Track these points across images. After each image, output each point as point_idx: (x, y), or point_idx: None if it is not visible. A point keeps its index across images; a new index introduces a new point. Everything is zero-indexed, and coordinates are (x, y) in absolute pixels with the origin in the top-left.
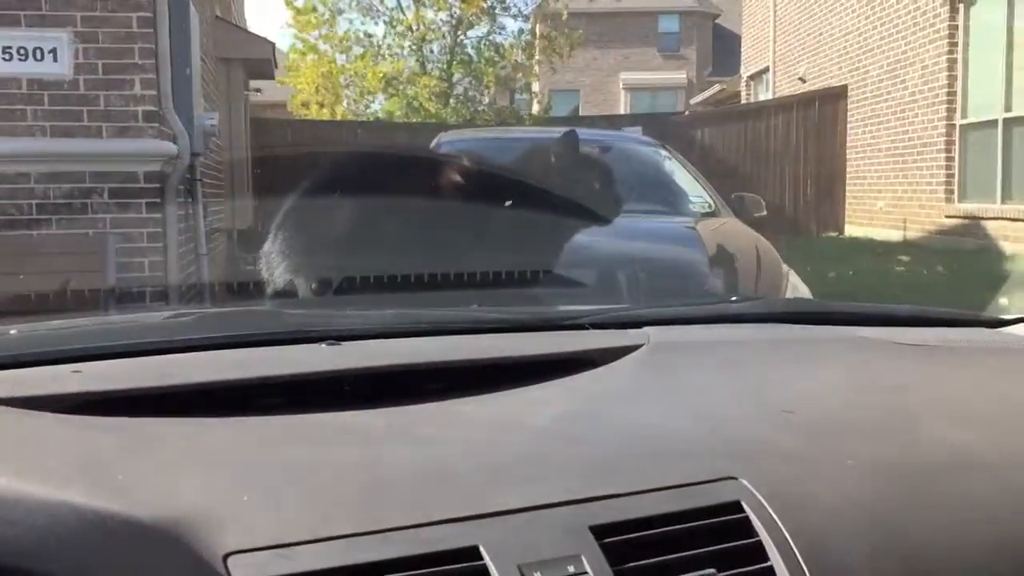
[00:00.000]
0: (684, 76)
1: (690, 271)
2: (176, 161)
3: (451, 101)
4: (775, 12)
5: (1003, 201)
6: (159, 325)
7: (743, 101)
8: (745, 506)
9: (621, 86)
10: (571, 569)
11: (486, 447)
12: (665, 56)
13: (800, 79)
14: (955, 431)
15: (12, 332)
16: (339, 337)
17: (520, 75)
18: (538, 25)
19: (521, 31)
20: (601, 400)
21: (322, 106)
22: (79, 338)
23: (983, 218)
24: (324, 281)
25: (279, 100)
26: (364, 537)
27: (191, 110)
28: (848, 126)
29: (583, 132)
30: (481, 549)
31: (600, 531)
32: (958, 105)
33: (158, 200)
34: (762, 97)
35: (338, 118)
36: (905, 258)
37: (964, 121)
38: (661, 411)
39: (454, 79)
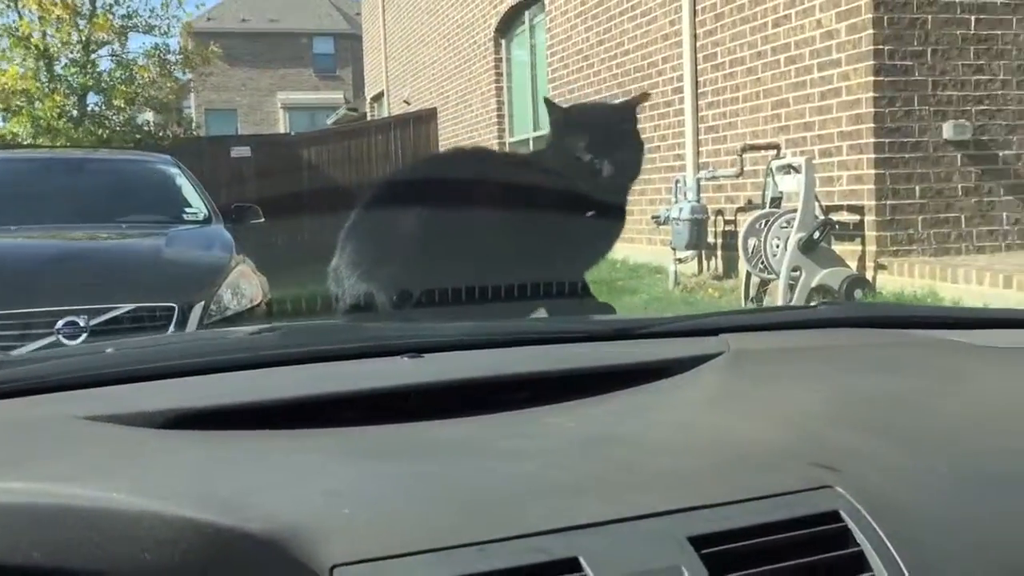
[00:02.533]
0: (341, 96)
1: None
2: None
3: (84, 121)
4: (385, 42)
5: None
6: (245, 340)
7: (368, 119)
8: (844, 515)
9: (279, 105)
10: None
11: (575, 457)
12: (321, 77)
13: (405, 102)
14: None
15: (108, 350)
16: (419, 349)
17: (157, 94)
18: (188, 43)
19: (157, 47)
20: (686, 409)
21: None
22: (170, 355)
23: None
24: (404, 293)
25: None
26: (464, 549)
27: None
28: (439, 144)
29: (95, 153)
30: (581, 560)
31: (698, 541)
32: (506, 126)
33: None
34: (383, 115)
35: None
36: None
37: (511, 139)
38: (748, 419)
39: (88, 99)
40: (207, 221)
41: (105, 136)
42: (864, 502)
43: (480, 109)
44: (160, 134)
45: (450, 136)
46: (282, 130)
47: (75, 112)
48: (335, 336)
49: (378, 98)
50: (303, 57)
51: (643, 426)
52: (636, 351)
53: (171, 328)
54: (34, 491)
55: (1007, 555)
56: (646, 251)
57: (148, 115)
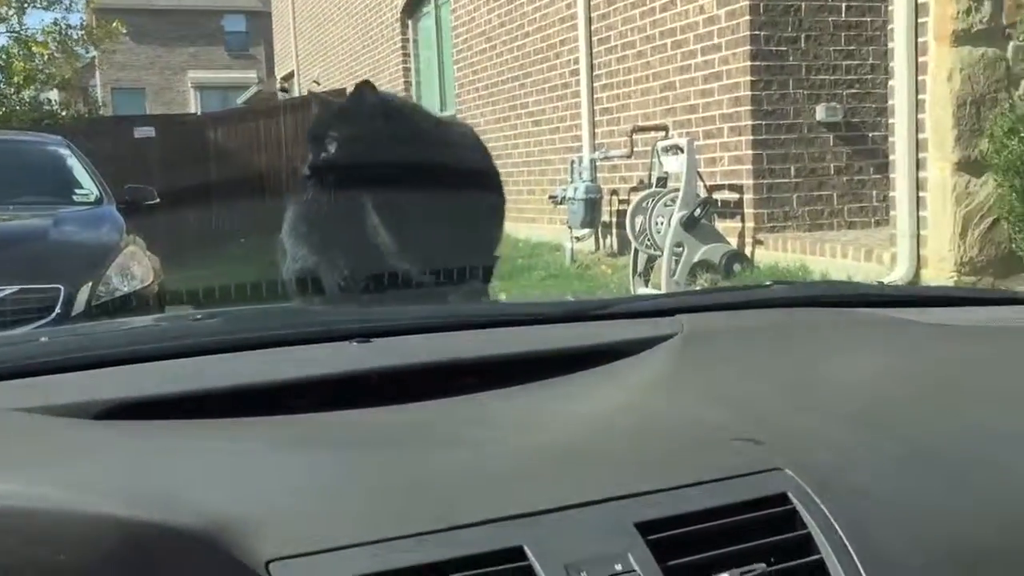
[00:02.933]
0: (255, 75)
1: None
2: None
3: None
4: (295, 20)
5: None
6: (186, 327)
7: (278, 100)
8: (792, 497)
9: (190, 85)
10: (618, 567)
11: (521, 443)
12: (233, 55)
13: (315, 82)
14: (1004, 416)
15: (43, 339)
16: (367, 334)
17: (58, 72)
18: (92, 19)
19: (56, 23)
20: (637, 391)
21: None
22: (108, 342)
23: None
24: (351, 278)
25: None
26: (405, 540)
27: None
28: None
29: None
30: (525, 549)
31: (646, 527)
32: None
33: None
34: (293, 96)
35: None
36: None
37: None
38: (699, 401)
39: None
40: (98, 202)
41: (2, 114)
42: (812, 483)
43: (388, 88)
44: (64, 113)
45: None
46: (193, 110)
47: None
48: (281, 321)
49: (288, 78)
50: (215, 35)
51: (592, 410)
52: (588, 333)
53: (57, 310)
54: None
55: (955, 534)
56: (547, 230)
57: (52, 94)
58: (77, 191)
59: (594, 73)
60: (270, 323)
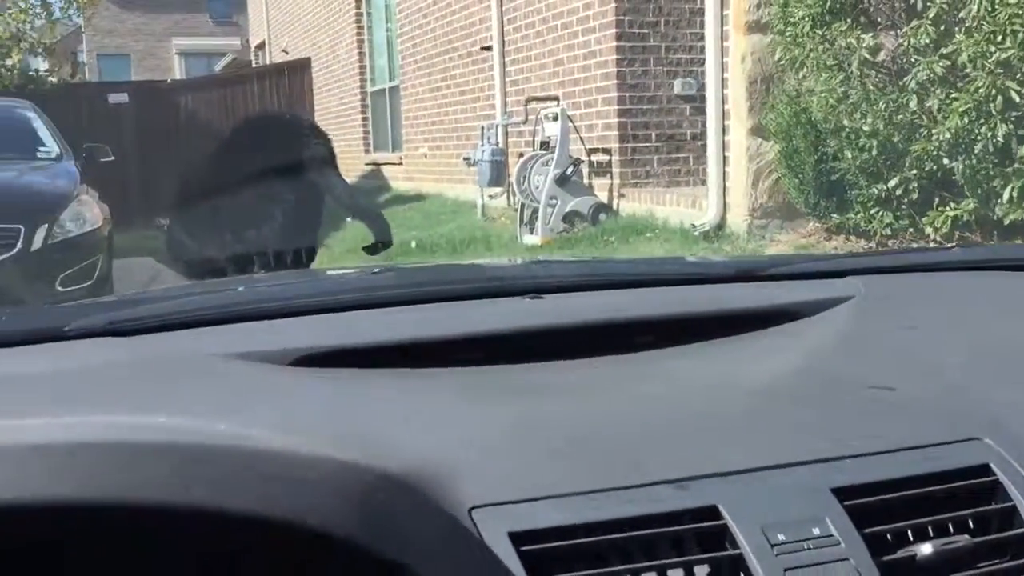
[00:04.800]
0: (238, 42)
1: None
2: None
3: None
4: None
5: (393, 150)
6: (367, 280)
7: (253, 67)
8: (995, 468)
9: (174, 51)
10: (816, 531)
11: (707, 402)
12: (217, 22)
13: (284, 51)
14: None
15: (240, 288)
16: (539, 290)
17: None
18: None
19: None
20: (818, 354)
21: None
22: (297, 293)
23: (385, 163)
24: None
25: None
26: (601, 494)
27: None
28: (315, 92)
29: None
30: (720, 508)
31: (842, 493)
32: (368, 76)
33: None
34: (263, 64)
35: None
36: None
37: (372, 88)
38: (887, 367)
39: None
40: (58, 159)
41: None
42: (1016, 454)
43: (345, 60)
44: (50, 79)
45: (322, 85)
46: (178, 76)
47: None
48: (455, 275)
49: (261, 47)
50: (198, 3)
51: (774, 371)
52: (760, 293)
53: (18, 245)
54: (183, 428)
55: None
56: (471, 190)
57: (39, 61)
58: (40, 148)
59: (504, 48)
60: (446, 277)
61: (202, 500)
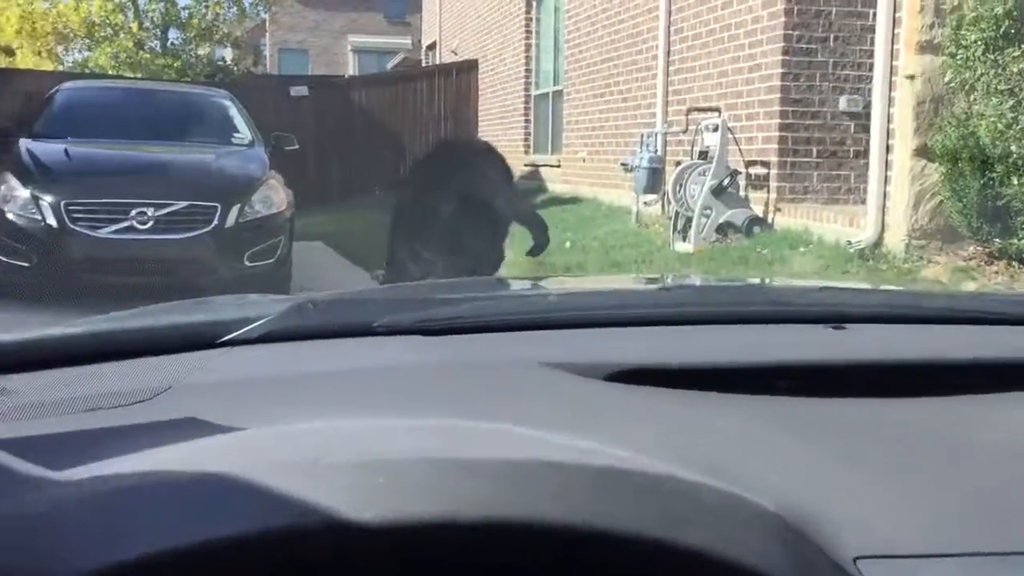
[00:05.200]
0: (409, 41)
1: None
2: None
3: (164, 55)
4: None
5: (552, 153)
6: (661, 294)
7: (423, 66)
8: None
9: (349, 48)
10: None
11: None
12: (391, 22)
13: (453, 52)
14: None
15: (551, 298)
16: (839, 319)
17: (231, 31)
18: None
19: None
20: None
21: (39, 54)
22: (607, 304)
23: (544, 165)
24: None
25: None
26: (1000, 557)
27: None
28: (480, 93)
29: (165, 85)
30: None
31: None
32: (533, 80)
33: None
34: (433, 63)
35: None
36: None
37: (536, 92)
38: None
39: (169, 33)
40: (250, 145)
41: (180, 68)
42: None
43: (512, 63)
44: (235, 69)
45: (487, 86)
46: (351, 72)
47: (156, 45)
48: (748, 296)
49: (432, 47)
50: (374, 2)
51: None
52: None
53: (214, 222)
54: (543, 443)
55: None
56: (627, 196)
57: (226, 52)
58: (235, 135)
59: (669, 59)
60: (741, 298)
61: (622, 526)
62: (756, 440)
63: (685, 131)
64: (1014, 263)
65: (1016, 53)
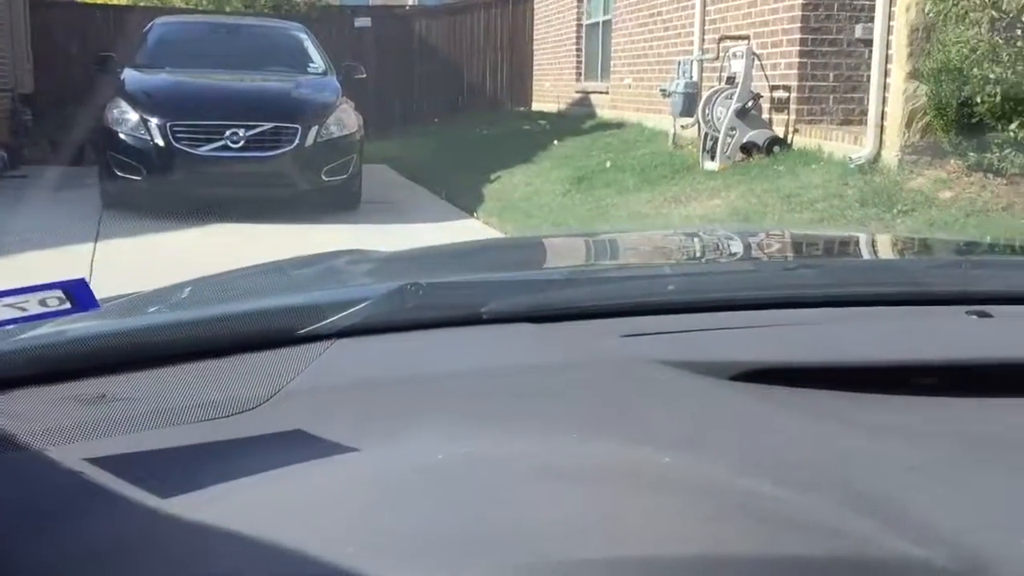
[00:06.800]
0: None
1: (271, 97)
2: None
3: None
4: None
5: (601, 80)
6: (782, 275)
7: None
8: None
9: None
10: None
11: None
12: None
13: None
14: None
15: (670, 286)
16: (980, 300)
17: None
18: None
19: None
20: None
21: None
22: (731, 285)
23: (593, 92)
24: None
25: None
26: None
27: None
28: (535, 23)
29: (247, 20)
30: None
31: None
32: (584, 9)
33: None
34: None
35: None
36: (543, 121)
37: (588, 21)
38: None
39: None
40: (324, 74)
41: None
42: None
43: None
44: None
45: (542, 17)
46: (412, 2)
47: None
48: (880, 276)
49: None
50: None
51: None
52: None
53: (296, 141)
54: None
55: None
56: (667, 120)
57: None
58: (310, 64)
59: None
60: (871, 278)
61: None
62: (910, 456)
63: (717, 58)
64: (988, 175)
65: None
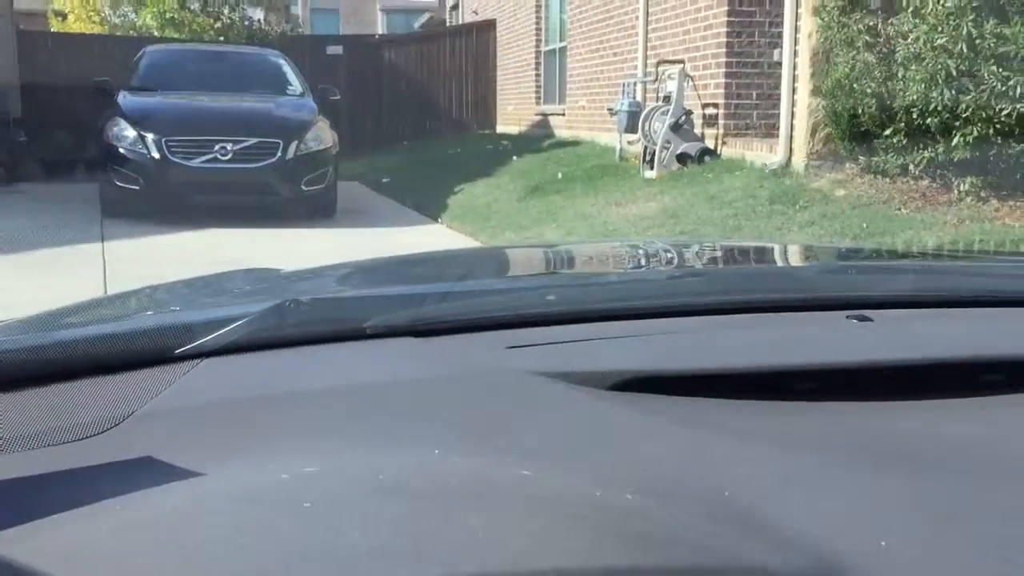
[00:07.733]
0: (436, 1)
1: (255, 114)
2: None
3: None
4: None
5: (558, 103)
6: (667, 284)
7: (447, 26)
8: None
9: (378, 8)
10: None
11: None
12: None
13: (474, 12)
14: None
15: (550, 297)
16: (863, 305)
17: None
18: None
19: None
20: None
21: (89, 17)
22: (610, 296)
23: (551, 114)
24: None
25: (38, 9)
26: None
27: None
28: (498, 50)
29: (230, 48)
30: None
31: None
32: (542, 37)
33: None
34: (455, 23)
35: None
36: (505, 142)
37: (546, 48)
38: None
39: None
40: (301, 95)
41: (219, 27)
42: None
43: (525, 22)
44: (273, 31)
45: (504, 44)
46: (381, 31)
47: (196, 5)
48: (761, 283)
49: (456, 7)
50: None
51: None
52: None
53: (277, 154)
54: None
55: None
56: (616, 137)
57: (258, 12)
58: (288, 87)
59: (648, 19)
60: (747, 284)
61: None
62: (781, 462)
63: (655, 80)
64: (876, 175)
65: (857, 16)
